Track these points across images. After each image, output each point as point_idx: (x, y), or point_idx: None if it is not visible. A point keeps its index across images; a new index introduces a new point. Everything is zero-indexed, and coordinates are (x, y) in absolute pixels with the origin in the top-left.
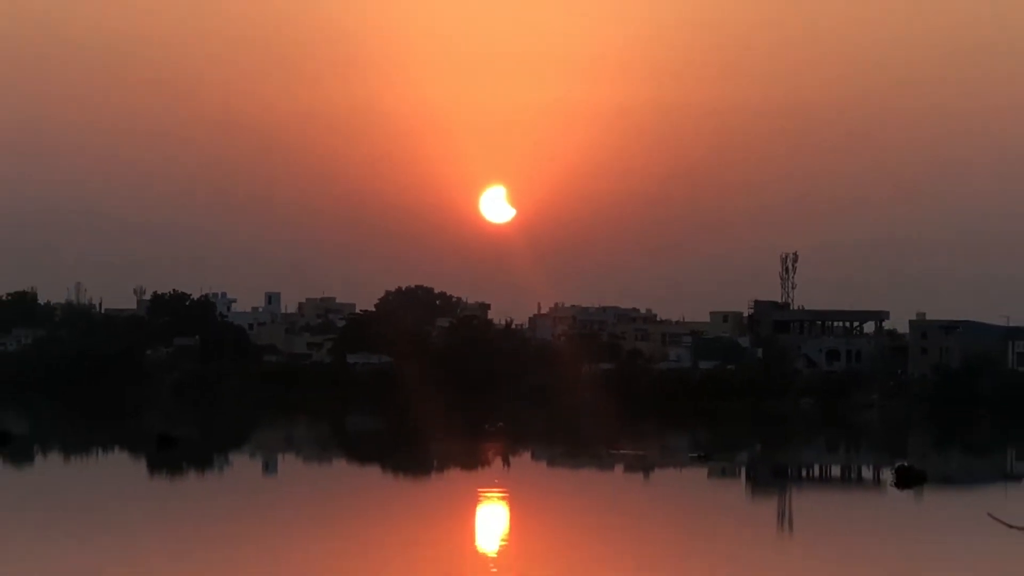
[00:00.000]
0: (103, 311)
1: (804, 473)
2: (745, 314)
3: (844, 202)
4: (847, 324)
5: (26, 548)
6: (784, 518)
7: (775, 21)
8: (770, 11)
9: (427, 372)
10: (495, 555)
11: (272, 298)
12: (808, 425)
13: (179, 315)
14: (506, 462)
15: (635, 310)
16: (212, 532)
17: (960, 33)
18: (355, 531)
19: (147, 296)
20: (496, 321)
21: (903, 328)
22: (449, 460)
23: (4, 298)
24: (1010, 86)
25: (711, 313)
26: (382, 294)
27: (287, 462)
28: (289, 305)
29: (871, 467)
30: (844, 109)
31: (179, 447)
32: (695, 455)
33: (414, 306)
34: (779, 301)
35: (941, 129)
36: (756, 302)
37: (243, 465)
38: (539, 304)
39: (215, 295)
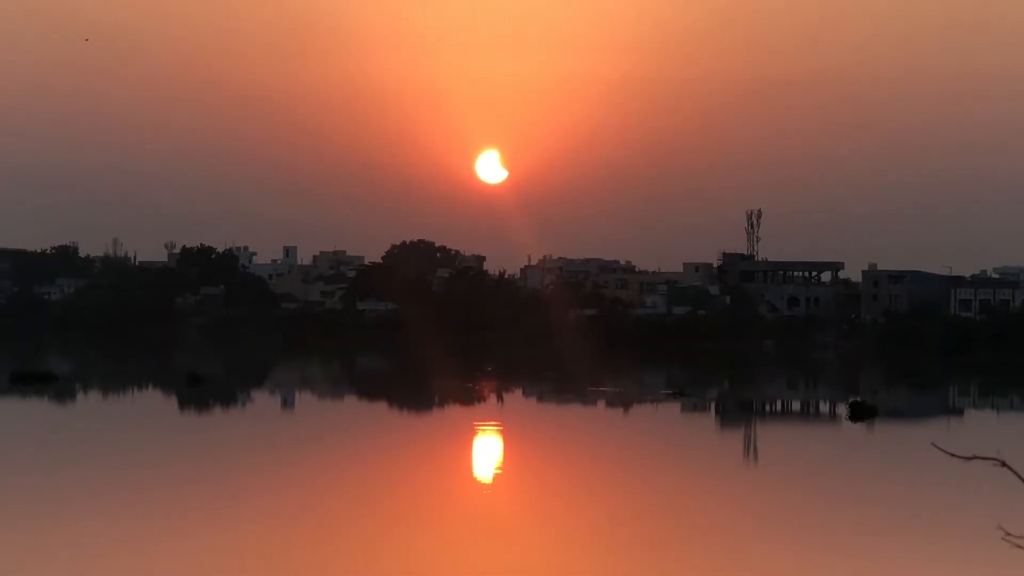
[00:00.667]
0: (137, 263)
1: (767, 408)
2: (715, 265)
3: (804, 164)
4: (806, 274)
5: (71, 476)
6: (750, 447)
7: (754, 5)
8: None
9: (429, 317)
10: (490, 480)
11: (289, 251)
12: (771, 364)
13: (206, 267)
14: (500, 399)
15: (616, 261)
16: (236, 460)
17: (919, 11)
18: (364, 459)
19: (177, 250)
20: (491, 272)
21: (856, 277)
22: (449, 397)
23: (48, 251)
24: (946, 55)
25: (684, 264)
26: (388, 247)
27: (303, 398)
28: (305, 257)
29: (827, 402)
30: (806, 86)
31: (206, 385)
32: (669, 391)
33: (417, 258)
34: (745, 253)
35: (890, 104)
36: (724, 254)
37: (264, 401)
38: (529, 256)
39: (238, 248)
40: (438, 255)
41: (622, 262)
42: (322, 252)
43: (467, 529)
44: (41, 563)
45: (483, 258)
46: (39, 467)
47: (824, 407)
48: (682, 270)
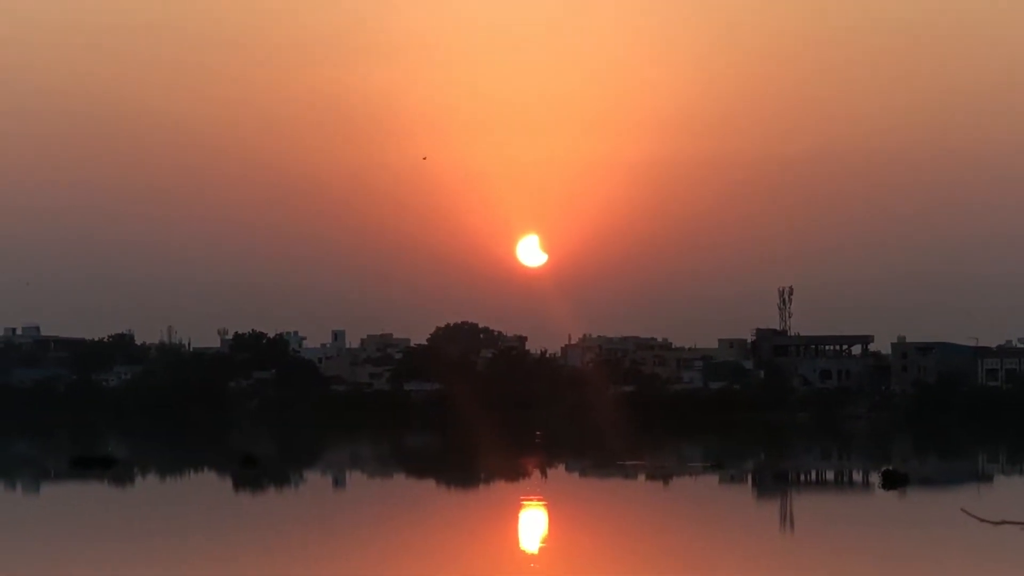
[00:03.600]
0: (192, 349)
1: (803, 478)
2: (749, 340)
3: (832, 240)
4: (837, 347)
5: (133, 556)
6: (786, 517)
7: (780, 83)
8: (774, 75)
9: (474, 396)
10: (536, 554)
11: (338, 335)
12: (805, 436)
13: (257, 352)
14: (543, 474)
15: (653, 339)
16: (291, 539)
17: (941, 85)
18: (415, 535)
19: (229, 336)
20: (532, 351)
21: (886, 350)
22: (494, 473)
23: (106, 340)
24: (969, 128)
25: (719, 340)
26: (433, 329)
27: (354, 477)
28: (353, 341)
29: (860, 471)
30: (831, 162)
31: (260, 466)
32: (707, 464)
33: (461, 339)
34: (778, 328)
35: (914, 178)
36: (758, 330)
37: (316, 480)
38: (569, 335)
39: (288, 334)
40: (481, 336)
41: (659, 339)
42: (369, 335)
43: None
44: None
45: (525, 338)
46: (100, 549)
47: (857, 476)
48: (717, 346)
